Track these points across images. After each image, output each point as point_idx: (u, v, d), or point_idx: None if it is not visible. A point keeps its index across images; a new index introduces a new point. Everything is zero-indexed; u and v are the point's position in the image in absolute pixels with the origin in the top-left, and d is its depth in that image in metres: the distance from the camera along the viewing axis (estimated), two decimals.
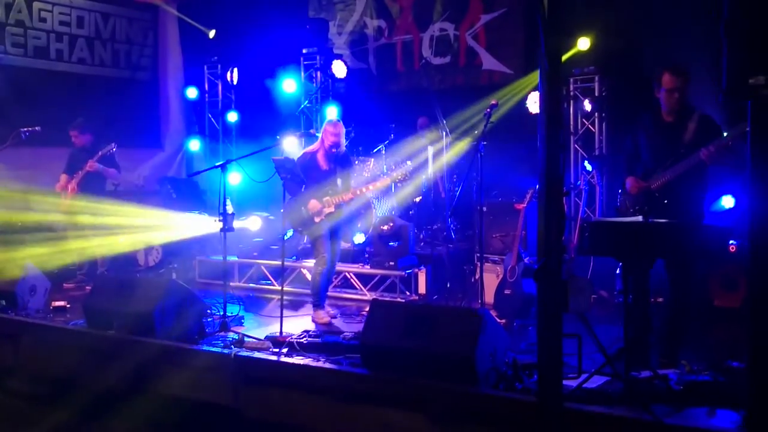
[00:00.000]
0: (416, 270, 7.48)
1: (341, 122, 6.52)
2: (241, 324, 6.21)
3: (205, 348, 5.33)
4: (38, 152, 8.92)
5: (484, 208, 6.42)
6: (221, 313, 5.99)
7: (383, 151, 8.67)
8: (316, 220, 6.36)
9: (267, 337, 5.50)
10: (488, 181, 6.44)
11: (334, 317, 6.57)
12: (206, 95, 10.82)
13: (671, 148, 4.84)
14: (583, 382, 4.22)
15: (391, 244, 7.74)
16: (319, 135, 6.56)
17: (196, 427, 5.05)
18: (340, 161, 6.47)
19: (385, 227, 7.69)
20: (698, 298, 6.13)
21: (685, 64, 4.99)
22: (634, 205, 4.98)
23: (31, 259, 7.17)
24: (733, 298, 6.45)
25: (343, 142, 6.52)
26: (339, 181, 6.37)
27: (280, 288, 6.44)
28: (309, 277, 8.09)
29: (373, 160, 8.59)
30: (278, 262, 6.68)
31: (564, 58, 3.47)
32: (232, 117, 10.38)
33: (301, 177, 6.46)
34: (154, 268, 9.37)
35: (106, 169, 8.17)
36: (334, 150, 6.37)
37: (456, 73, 9.52)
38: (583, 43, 7.82)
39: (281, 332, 5.59)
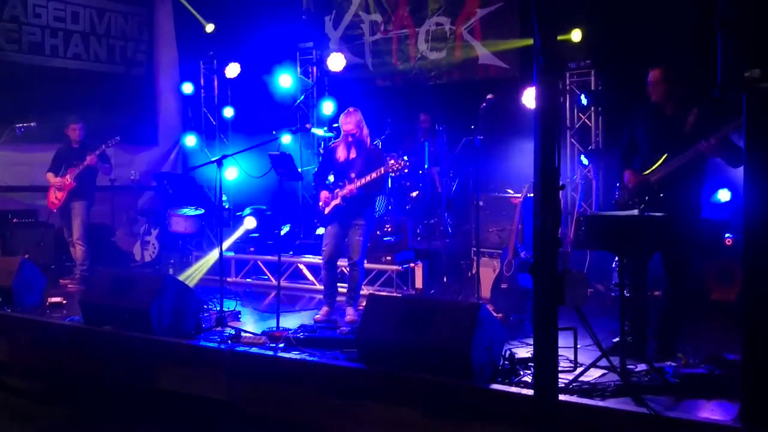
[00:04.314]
0: (413, 265, 7.47)
1: (355, 110, 6.30)
2: (237, 319, 6.20)
3: (202, 343, 5.33)
4: (33, 148, 8.90)
5: (481, 203, 6.42)
6: (218, 308, 5.99)
7: (379, 146, 8.66)
8: (326, 211, 6.34)
9: (264, 332, 5.50)
10: (484, 176, 6.44)
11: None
12: (202, 90, 10.78)
13: (670, 140, 4.85)
14: (579, 376, 4.23)
15: (387, 239, 7.74)
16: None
17: (192, 423, 5.05)
18: (365, 154, 6.28)
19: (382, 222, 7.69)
20: (695, 291, 6.14)
21: (675, 58, 5.03)
22: (633, 199, 4.98)
23: None
24: (729, 292, 6.46)
25: (361, 131, 6.25)
26: (353, 174, 6.24)
27: (276, 283, 6.43)
28: (306, 271, 8.10)
29: None
30: (275, 257, 6.67)
31: (558, 39, 3.46)
32: (228, 112, 10.35)
33: (297, 172, 6.44)
34: (150, 263, 9.37)
35: (103, 165, 8.16)
36: (350, 139, 6.27)
37: (452, 68, 9.48)
38: (576, 36, 7.79)
39: (278, 327, 5.59)
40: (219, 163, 6.04)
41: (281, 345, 5.16)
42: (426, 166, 8.64)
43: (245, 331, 5.54)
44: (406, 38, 9.82)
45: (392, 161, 6.07)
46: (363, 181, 6.08)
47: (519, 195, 6.77)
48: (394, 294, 7.27)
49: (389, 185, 8.26)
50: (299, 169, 6.60)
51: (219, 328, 5.71)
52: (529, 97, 7.43)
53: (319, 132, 9.24)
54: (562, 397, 3.81)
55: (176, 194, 9.86)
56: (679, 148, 4.78)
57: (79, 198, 8.10)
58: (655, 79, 4.94)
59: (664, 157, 4.82)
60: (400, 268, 7.47)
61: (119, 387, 5.36)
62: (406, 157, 6.19)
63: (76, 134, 8.19)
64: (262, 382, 4.90)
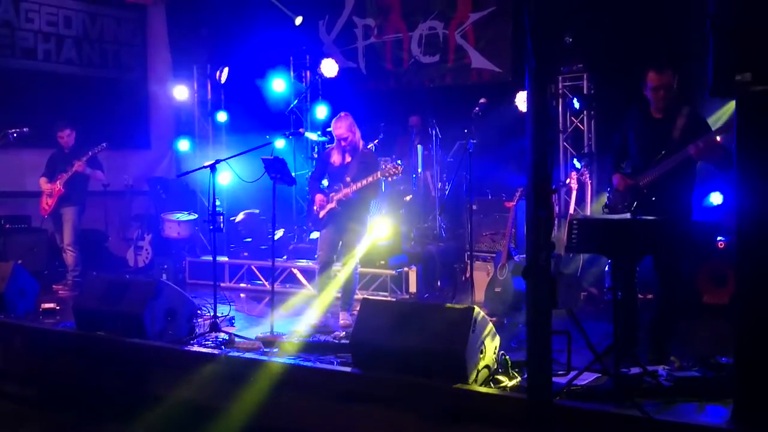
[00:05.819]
0: (407, 269, 7.48)
1: (346, 115, 6.31)
2: (231, 324, 6.19)
3: (196, 349, 5.32)
4: (26, 153, 8.87)
5: (474, 206, 6.43)
6: (211, 313, 5.97)
7: (374, 150, 8.66)
8: (321, 215, 6.34)
9: (257, 337, 5.49)
10: (478, 179, 6.45)
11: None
12: (195, 95, 10.75)
13: (660, 144, 4.85)
14: (573, 379, 4.23)
15: (381, 243, 7.73)
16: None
17: (186, 429, 5.03)
18: (359, 158, 6.29)
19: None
20: (687, 294, 6.15)
21: (670, 61, 5.02)
22: (623, 202, 4.99)
23: None
24: (721, 294, 6.48)
25: (353, 135, 6.26)
26: (348, 178, 6.25)
27: (270, 288, 6.43)
28: (300, 276, 8.09)
29: None
30: (268, 262, 6.66)
31: (550, 43, 3.48)
32: (222, 117, 10.34)
33: (291, 176, 6.44)
34: (143, 269, 9.35)
35: (94, 171, 8.12)
36: (343, 143, 6.27)
37: (445, 72, 9.52)
38: (568, 39, 7.82)
39: (272, 332, 5.58)
40: (212, 167, 6.03)
41: (275, 350, 5.15)
42: (419, 170, 8.65)
43: (239, 336, 5.53)
44: (400, 42, 9.85)
45: (389, 165, 6.08)
46: (359, 185, 6.09)
47: (512, 199, 6.78)
48: (388, 298, 7.27)
49: (383, 189, 8.27)
50: (293, 174, 6.59)
51: (213, 334, 5.69)
52: (521, 101, 7.45)
53: (313, 136, 9.24)
54: (555, 400, 3.81)
55: (169, 199, 9.87)
56: (668, 151, 4.79)
57: (69, 204, 8.07)
58: (657, 83, 4.84)
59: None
60: (394, 272, 7.46)
61: (112, 392, 5.34)
62: (399, 161, 6.21)
63: (66, 140, 8.17)
64: (256, 387, 4.88)
